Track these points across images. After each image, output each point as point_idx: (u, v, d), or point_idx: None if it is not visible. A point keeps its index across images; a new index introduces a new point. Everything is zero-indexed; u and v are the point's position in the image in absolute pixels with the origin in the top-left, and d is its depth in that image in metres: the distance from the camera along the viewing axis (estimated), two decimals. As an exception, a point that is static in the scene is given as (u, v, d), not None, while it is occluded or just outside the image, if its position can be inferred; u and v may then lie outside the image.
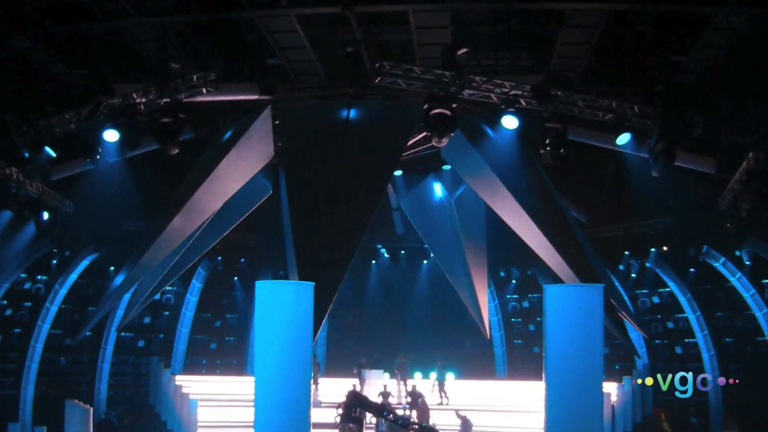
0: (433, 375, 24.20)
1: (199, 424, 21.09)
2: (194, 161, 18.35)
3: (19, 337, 23.59)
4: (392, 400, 22.35)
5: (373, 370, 24.53)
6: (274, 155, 18.04)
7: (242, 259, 29.07)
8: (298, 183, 16.27)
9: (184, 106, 16.03)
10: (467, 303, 23.07)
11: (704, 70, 16.67)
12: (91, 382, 25.29)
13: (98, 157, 16.93)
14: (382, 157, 16.34)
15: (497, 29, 15.67)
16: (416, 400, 20.63)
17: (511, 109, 15.68)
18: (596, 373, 13.84)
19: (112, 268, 24.37)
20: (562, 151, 15.53)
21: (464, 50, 15.30)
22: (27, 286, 24.12)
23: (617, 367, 25.35)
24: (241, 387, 22.23)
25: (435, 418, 20.10)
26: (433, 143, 16.08)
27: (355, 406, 16.16)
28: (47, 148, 16.32)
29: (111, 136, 16.31)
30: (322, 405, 21.41)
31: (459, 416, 19.29)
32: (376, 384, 23.17)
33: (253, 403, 13.36)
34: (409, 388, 22.33)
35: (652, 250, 25.53)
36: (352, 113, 16.78)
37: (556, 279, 16.41)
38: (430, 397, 22.65)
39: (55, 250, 23.77)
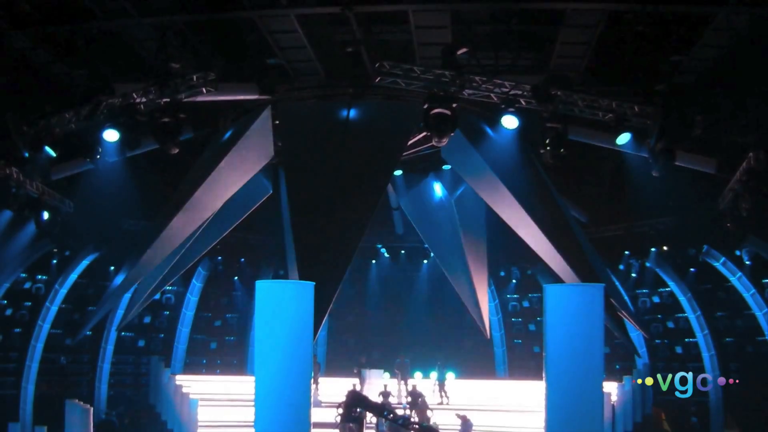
0: (434, 375, 24.21)
1: (199, 423, 21.08)
2: (194, 161, 18.35)
3: (20, 337, 23.57)
4: (392, 400, 22.34)
5: (373, 370, 24.55)
6: (274, 155, 18.03)
7: (242, 259, 29.06)
8: (298, 183, 16.27)
9: (184, 105, 16.01)
10: (467, 302, 23.08)
11: (704, 70, 16.67)
12: (92, 382, 25.27)
13: (98, 156, 16.91)
14: (382, 156, 16.34)
15: (497, 29, 15.69)
16: (416, 399, 20.62)
17: (511, 109, 15.68)
18: (596, 373, 13.86)
19: (112, 267, 24.36)
20: (562, 150, 15.53)
21: (464, 50, 15.29)
22: (27, 285, 24.10)
23: (617, 366, 25.33)
24: (242, 387, 22.23)
25: (435, 418, 20.10)
26: (433, 143, 16.08)
27: (355, 405, 16.18)
28: (47, 148, 16.32)
29: (111, 135, 16.30)
30: (323, 404, 21.41)
31: (459, 416, 19.31)
32: (377, 383, 23.17)
33: (253, 403, 13.37)
34: (410, 388, 22.33)
35: (653, 249, 25.53)
36: (352, 113, 16.78)
37: (556, 278, 16.39)
38: (431, 396, 22.65)
39: (55, 250, 23.76)
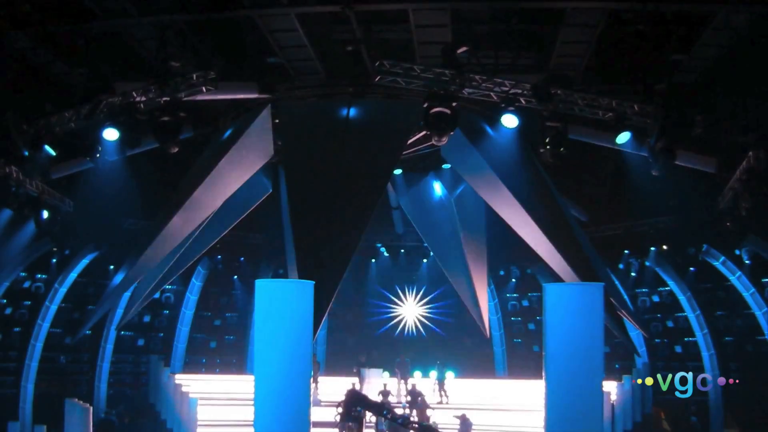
0: (433, 374, 24.19)
1: (198, 422, 21.05)
2: (194, 160, 18.34)
3: (19, 336, 23.59)
4: (392, 399, 22.31)
5: (372, 369, 24.51)
6: (274, 154, 18.02)
7: (242, 258, 29.06)
8: (298, 182, 16.25)
9: (184, 104, 16.01)
10: (467, 302, 23.08)
11: (704, 70, 16.68)
12: (91, 381, 25.26)
13: (98, 155, 16.86)
14: (382, 155, 16.33)
15: (497, 28, 15.68)
16: (416, 398, 20.61)
17: (511, 108, 15.67)
18: (596, 372, 13.85)
19: (111, 266, 24.37)
20: (562, 149, 15.53)
21: (464, 49, 15.31)
22: (27, 284, 24.11)
23: (617, 365, 25.30)
24: (241, 386, 22.20)
25: (435, 417, 20.10)
26: (433, 142, 16.06)
27: (354, 404, 16.18)
28: (47, 147, 16.28)
29: (111, 134, 16.28)
30: (322, 404, 21.42)
31: (457, 417, 19.31)
32: (376, 383, 23.15)
33: (252, 402, 13.36)
34: (409, 387, 22.34)
35: (652, 249, 25.52)
36: (352, 112, 16.77)
37: (556, 278, 16.39)
38: (430, 395, 22.65)
39: (54, 249, 23.75)
